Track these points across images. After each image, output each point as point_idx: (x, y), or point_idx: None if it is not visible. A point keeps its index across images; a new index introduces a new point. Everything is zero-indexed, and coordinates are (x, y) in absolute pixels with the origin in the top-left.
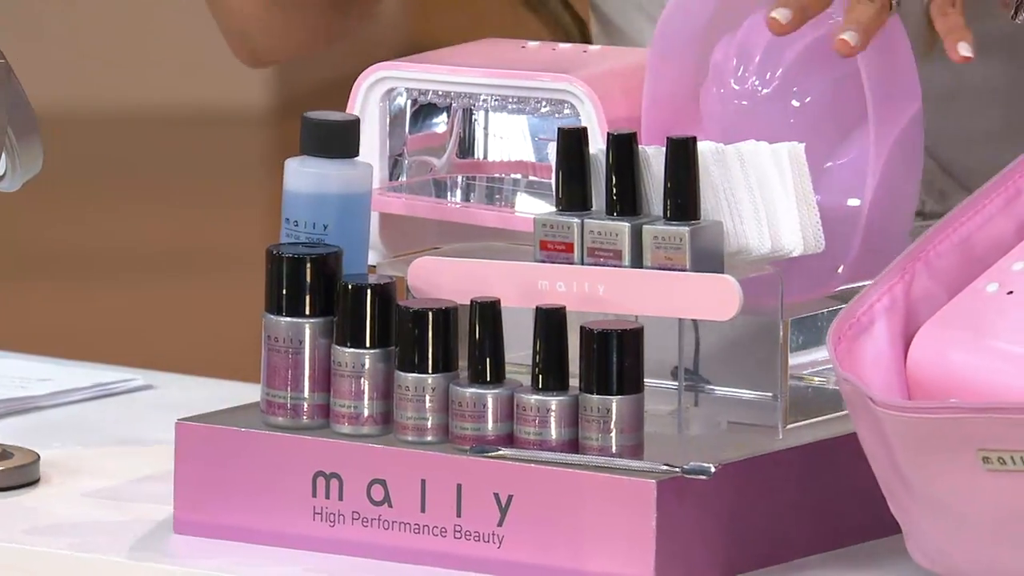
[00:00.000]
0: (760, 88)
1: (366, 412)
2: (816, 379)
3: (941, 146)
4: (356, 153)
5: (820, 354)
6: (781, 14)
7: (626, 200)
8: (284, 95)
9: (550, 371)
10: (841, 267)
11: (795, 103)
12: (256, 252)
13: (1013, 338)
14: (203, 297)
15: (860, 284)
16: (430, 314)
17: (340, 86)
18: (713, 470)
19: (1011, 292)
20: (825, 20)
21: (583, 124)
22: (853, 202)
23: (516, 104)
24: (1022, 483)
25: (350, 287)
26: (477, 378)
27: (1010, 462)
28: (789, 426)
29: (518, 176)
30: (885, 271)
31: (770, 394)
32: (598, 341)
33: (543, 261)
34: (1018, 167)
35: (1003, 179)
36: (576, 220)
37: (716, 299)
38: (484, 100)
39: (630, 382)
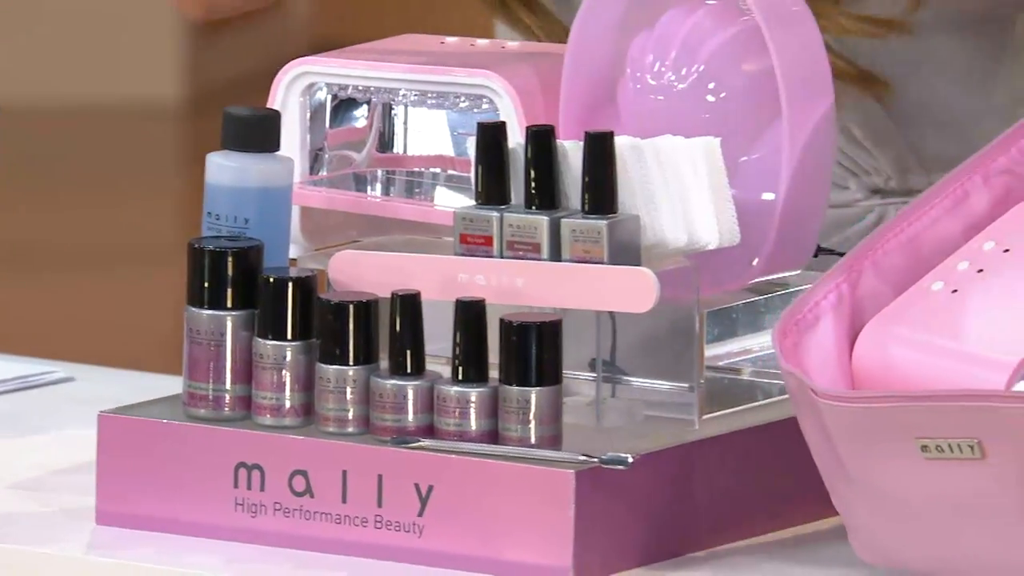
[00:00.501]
0: (676, 83)
1: (287, 404)
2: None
3: (908, 125)
4: (277, 147)
5: (735, 345)
6: None
7: (545, 194)
8: (197, 90)
9: (470, 363)
10: (756, 260)
11: (711, 98)
12: (171, 246)
13: (955, 335)
14: (120, 290)
15: (774, 276)
16: (351, 307)
17: (251, 81)
18: (631, 460)
19: (955, 291)
20: (739, 16)
21: (502, 119)
22: (767, 196)
23: (435, 99)
24: (960, 471)
25: (271, 280)
26: (398, 370)
27: (947, 450)
28: (705, 417)
29: (437, 170)
30: (832, 268)
31: (686, 385)
32: (517, 333)
33: (463, 254)
34: (966, 169)
35: (951, 181)
36: (495, 214)
37: (633, 291)
38: (404, 95)
39: (549, 374)
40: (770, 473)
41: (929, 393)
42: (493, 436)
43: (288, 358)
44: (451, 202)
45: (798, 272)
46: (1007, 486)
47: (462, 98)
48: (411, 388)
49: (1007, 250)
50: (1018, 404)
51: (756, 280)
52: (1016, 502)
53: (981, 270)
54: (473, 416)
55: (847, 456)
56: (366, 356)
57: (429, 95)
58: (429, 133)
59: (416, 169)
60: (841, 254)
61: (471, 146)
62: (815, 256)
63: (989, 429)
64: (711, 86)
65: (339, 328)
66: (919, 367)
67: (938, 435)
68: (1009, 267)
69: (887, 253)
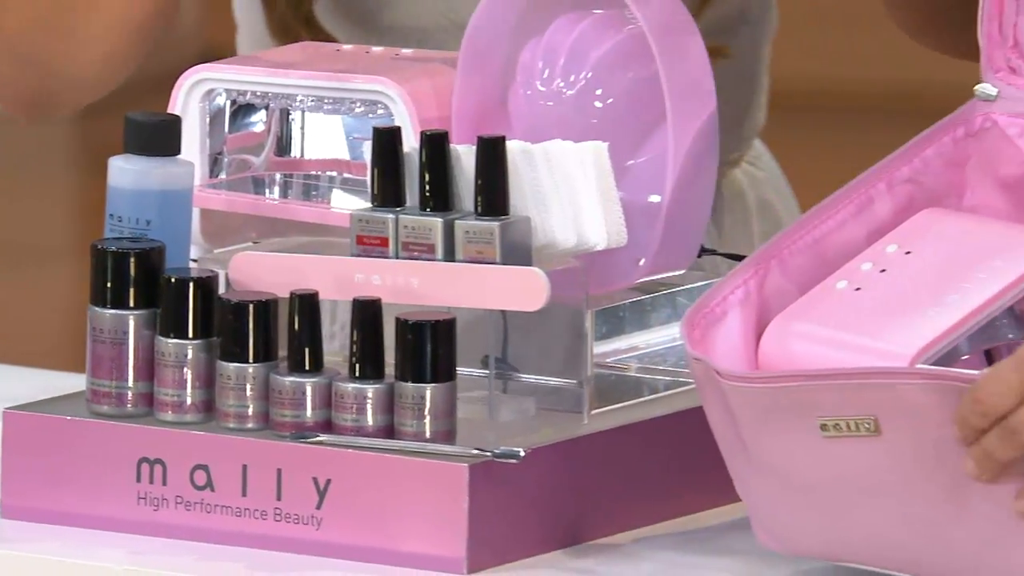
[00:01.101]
0: (565, 90)
1: (189, 400)
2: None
3: None
4: (178, 151)
5: (623, 343)
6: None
7: (439, 196)
8: None
9: (367, 360)
10: (643, 260)
11: (598, 104)
12: (67, 247)
13: (857, 330)
14: (21, 290)
15: (660, 276)
16: (250, 306)
17: (141, 85)
18: (523, 454)
19: (859, 289)
20: (625, 24)
21: (397, 124)
22: (654, 198)
23: (332, 105)
24: (857, 449)
25: (173, 280)
26: (296, 367)
27: (845, 428)
28: (594, 412)
29: (334, 173)
30: (740, 265)
31: (575, 381)
32: (412, 331)
33: (359, 255)
34: (873, 175)
35: (858, 186)
36: (391, 216)
37: (525, 291)
38: (301, 101)
39: (443, 370)
40: (657, 465)
41: (828, 372)
42: (389, 431)
43: (189, 356)
44: (347, 204)
45: (683, 272)
46: (900, 462)
47: (358, 103)
48: (309, 385)
49: (909, 252)
50: (913, 380)
51: (643, 280)
52: (908, 479)
53: (884, 270)
54: (370, 412)
55: (750, 439)
56: (265, 354)
57: (326, 101)
58: (325, 138)
59: (313, 172)
60: (723, 255)
61: (367, 150)
62: (699, 256)
63: (885, 406)
64: (598, 92)
65: (239, 327)
66: (822, 361)
67: (836, 414)
68: (911, 268)
69: (793, 253)
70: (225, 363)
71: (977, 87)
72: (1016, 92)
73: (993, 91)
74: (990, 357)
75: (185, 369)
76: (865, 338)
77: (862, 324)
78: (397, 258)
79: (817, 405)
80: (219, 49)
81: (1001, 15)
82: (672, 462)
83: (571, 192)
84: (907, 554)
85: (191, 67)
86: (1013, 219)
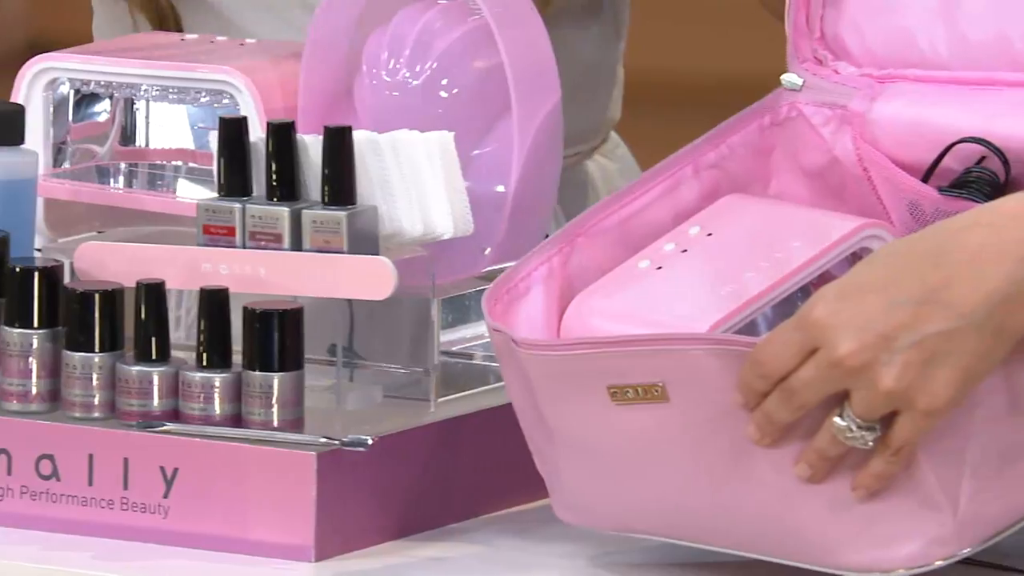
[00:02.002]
0: (411, 80)
1: (34, 390)
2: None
3: None
4: (21, 141)
5: (469, 331)
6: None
7: (285, 186)
8: None
9: (214, 349)
10: (488, 249)
11: (443, 94)
12: None
13: (656, 307)
14: None
15: (506, 265)
16: (96, 295)
17: None
18: (370, 442)
19: (660, 268)
20: (470, 15)
21: (243, 114)
22: (499, 188)
23: (176, 94)
24: (647, 415)
25: (17, 270)
26: (143, 357)
27: (634, 394)
28: (440, 399)
29: (179, 163)
30: (545, 242)
31: (422, 369)
32: (259, 321)
33: (206, 244)
34: (681, 158)
35: (665, 169)
36: (238, 205)
37: (372, 280)
38: (146, 90)
39: (291, 359)
40: (503, 452)
41: (618, 339)
42: (237, 420)
43: (34, 346)
44: (193, 194)
45: None
46: (688, 429)
47: (203, 93)
48: (156, 374)
49: (711, 234)
50: (699, 346)
51: (489, 268)
52: (696, 446)
53: (685, 251)
54: (217, 401)
55: (547, 409)
56: (111, 343)
57: (171, 90)
58: (170, 127)
59: (158, 162)
60: None
61: (212, 139)
62: None
63: (672, 372)
64: (444, 82)
65: (85, 316)
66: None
67: (626, 381)
68: (712, 249)
69: (599, 232)
70: (71, 352)
71: (783, 77)
72: (821, 82)
73: (799, 81)
74: None
75: (30, 359)
76: (663, 315)
77: (661, 302)
78: (244, 247)
79: (607, 372)
80: (50, 35)
81: (808, 6)
82: (518, 448)
83: (418, 182)
84: (697, 523)
85: (19, 53)
86: (816, 206)
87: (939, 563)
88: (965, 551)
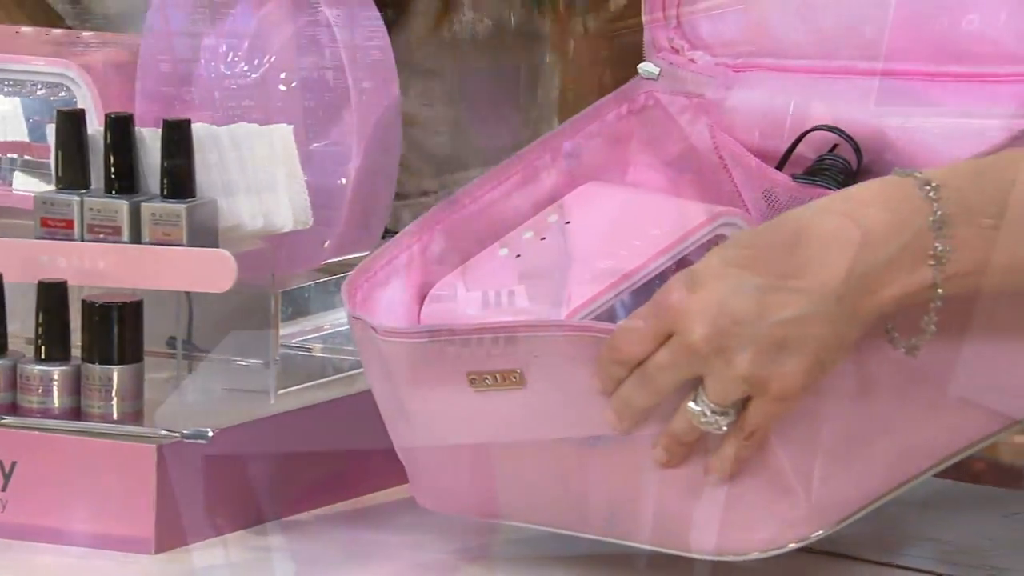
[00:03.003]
0: (249, 73)
1: None
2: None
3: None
4: None
5: (308, 324)
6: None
7: (124, 179)
8: None
9: (53, 342)
10: (328, 241)
11: (282, 88)
12: None
13: (516, 295)
14: None
15: (346, 257)
16: None
17: None
18: (210, 434)
19: (519, 256)
20: (309, 8)
21: (80, 106)
22: (339, 180)
23: (12, 87)
24: (505, 402)
25: None
26: None
27: (493, 381)
28: (280, 392)
29: (15, 156)
30: (405, 230)
31: (262, 362)
32: (99, 313)
33: (44, 238)
34: (538, 147)
35: (523, 157)
36: (76, 198)
37: (212, 272)
38: None
39: (130, 352)
40: (343, 443)
41: (477, 326)
42: (76, 413)
43: None
44: (30, 187)
45: (368, 253)
46: (545, 415)
47: (39, 86)
48: None
49: (569, 222)
50: (556, 332)
51: (328, 261)
52: (553, 432)
53: (544, 238)
54: (56, 393)
55: (407, 396)
56: None
57: (6, 83)
58: (5, 119)
59: None
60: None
61: (49, 132)
62: (383, 238)
63: (530, 359)
64: (282, 76)
65: None
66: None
67: (484, 367)
68: (569, 236)
69: (458, 221)
70: None
71: (640, 66)
72: (678, 71)
73: (655, 70)
74: None
75: None
76: (522, 301)
77: (520, 289)
78: (83, 240)
79: (466, 359)
80: None
81: None
82: (358, 440)
83: (257, 175)
84: (555, 508)
85: None
86: (673, 193)
87: (792, 546)
88: (818, 533)
